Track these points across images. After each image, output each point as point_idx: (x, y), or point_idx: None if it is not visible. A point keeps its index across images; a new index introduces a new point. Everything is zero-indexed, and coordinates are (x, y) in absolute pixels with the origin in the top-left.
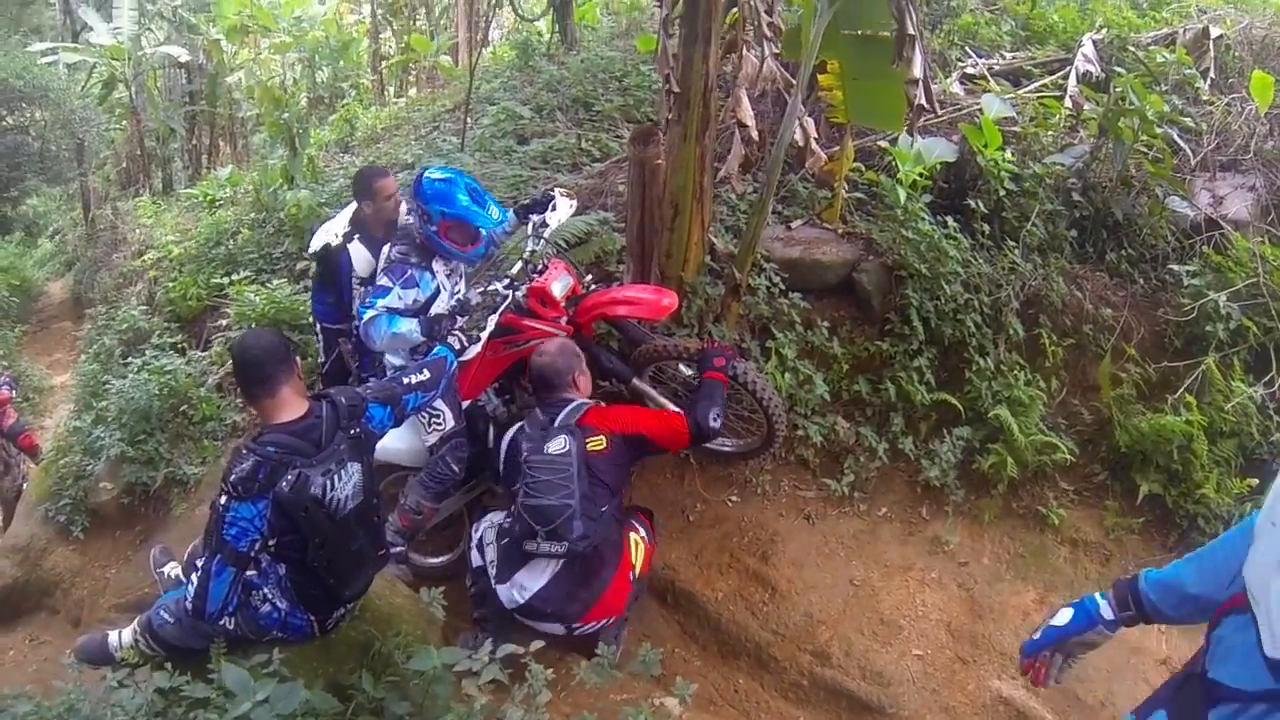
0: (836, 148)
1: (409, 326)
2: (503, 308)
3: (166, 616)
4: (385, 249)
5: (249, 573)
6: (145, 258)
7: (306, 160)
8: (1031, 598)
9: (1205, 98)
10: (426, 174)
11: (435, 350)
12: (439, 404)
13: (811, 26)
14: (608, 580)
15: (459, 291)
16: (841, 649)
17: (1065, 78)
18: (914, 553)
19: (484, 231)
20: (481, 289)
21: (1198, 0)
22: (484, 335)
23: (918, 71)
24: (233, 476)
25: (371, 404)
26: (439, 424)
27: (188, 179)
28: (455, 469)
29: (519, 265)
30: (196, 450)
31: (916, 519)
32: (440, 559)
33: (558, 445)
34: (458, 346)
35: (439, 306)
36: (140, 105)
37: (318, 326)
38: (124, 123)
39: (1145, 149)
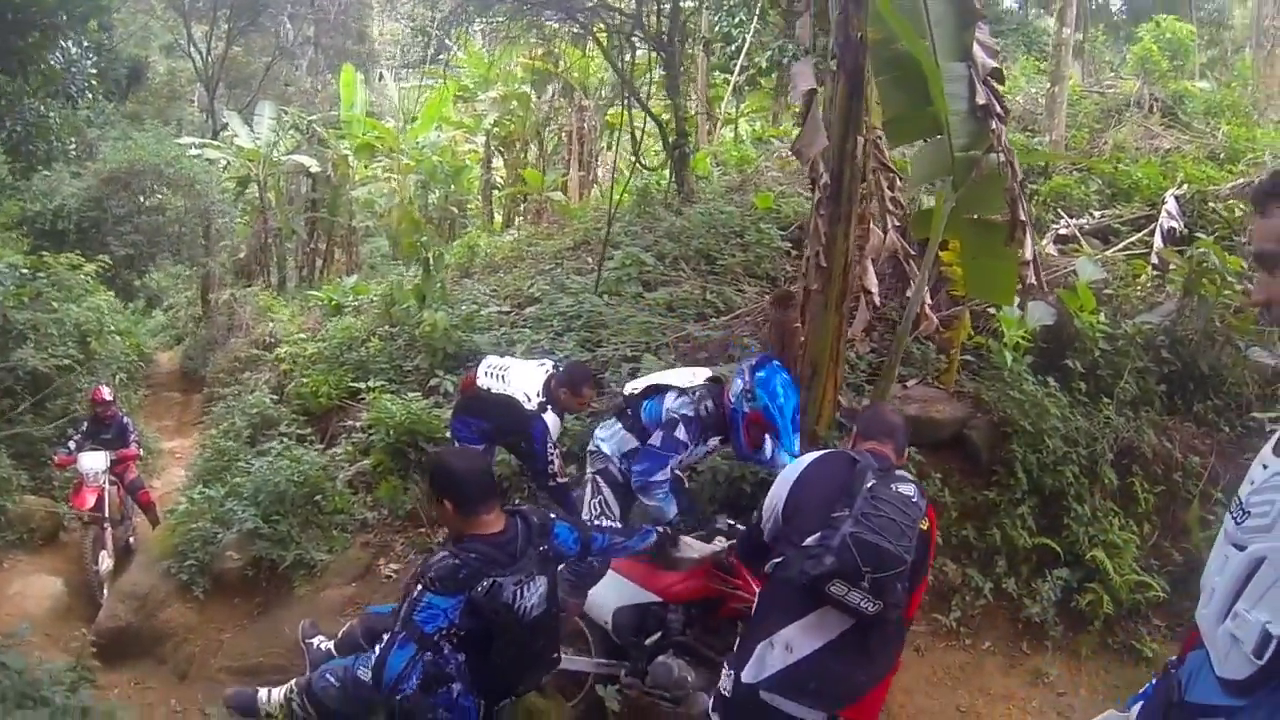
0: (954, 316)
1: (674, 510)
2: (725, 546)
3: (331, 680)
4: (670, 398)
5: (427, 654)
6: (279, 351)
7: (439, 283)
8: None
9: None
10: (781, 370)
11: (648, 530)
12: (614, 505)
13: (940, 211)
14: (883, 674)
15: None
16: None
17: (1151, 234)
18: (1016, 684)
19: (769, 445)
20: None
21: (1271, 144)
22: (697, 555)
23: (1029, 254)
24: (432, 572)
25: (558, 524)
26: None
27: (299, 278)
28: None
29: None
30: (325, 539)
31: (1018, 653)
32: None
33: (908, 490)
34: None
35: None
36: (268, 205)
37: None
38: (247, 218)
39: (1226, 303)
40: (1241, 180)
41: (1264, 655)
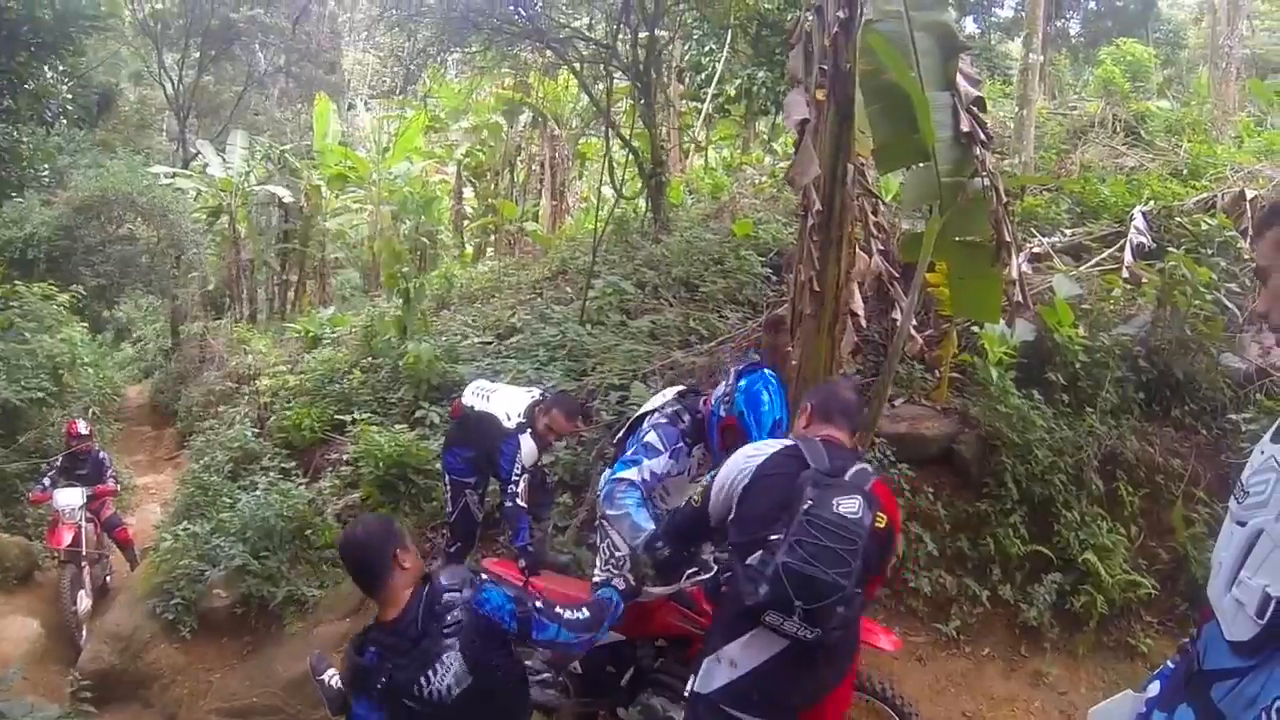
0: (941, 334)
1: (648, 531)
2: (698, 580)
3: None
4: (645, 423)
5: None
6: (260, 383)
7: (420, 315)
8: None
9: (1247, 256)
10: (769, 378)
11: (603, 590)
12: (621, 547)
13: (930, 235)
14: (833, 683)
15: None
16: None
17: (1121, 250)
18: (1017, 686)
19: None
20: (714, 550)
21: (1232, 160)
22: (662, 591)
23: (1014, 274)
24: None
25: (489, 590)
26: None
27: (270, 310)
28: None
29: None
30: (315, 574)
31: (1018, 656)
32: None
33: (851, 507)
34: (622, 587)
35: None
36: (239, 235)
37: (446, 479)
38: (218, 249)
39: (1198, 312)
40: (1205, 195)
41: (1265, 615)
